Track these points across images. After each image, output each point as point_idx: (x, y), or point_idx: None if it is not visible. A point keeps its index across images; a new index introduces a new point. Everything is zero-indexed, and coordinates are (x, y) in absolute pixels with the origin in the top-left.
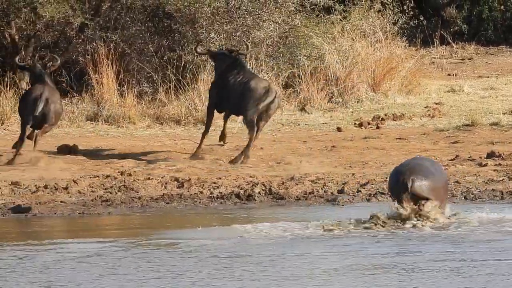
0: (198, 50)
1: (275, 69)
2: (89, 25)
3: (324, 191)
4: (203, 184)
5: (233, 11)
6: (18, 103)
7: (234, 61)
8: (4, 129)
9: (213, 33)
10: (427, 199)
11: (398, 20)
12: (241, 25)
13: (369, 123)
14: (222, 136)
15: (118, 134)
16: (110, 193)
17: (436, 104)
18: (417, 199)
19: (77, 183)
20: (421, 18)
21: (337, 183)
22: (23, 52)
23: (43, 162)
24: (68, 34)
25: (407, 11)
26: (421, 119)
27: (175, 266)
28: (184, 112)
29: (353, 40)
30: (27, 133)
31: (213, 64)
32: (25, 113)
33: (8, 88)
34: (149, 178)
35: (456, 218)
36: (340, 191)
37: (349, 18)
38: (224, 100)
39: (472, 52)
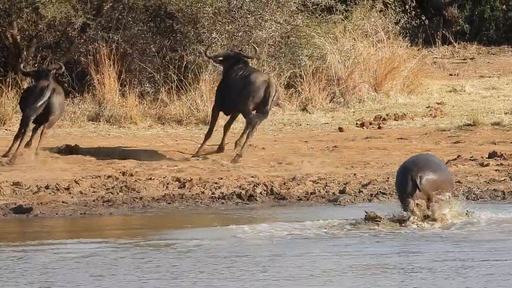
0: (208, 54)
1: (277, 69)
2: (91, 25)
3: (326, 191)
4: (205, 184)
5: (235, 11)
6: (20, 97)
7: (238, 60)
8: (6, 129)
9: (215, 33)
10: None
11: (400, 20)
12: (243, 25)
13: (370, 123)
14: (221, 148)
15: (119, 134)
16: (112, 193)
17: (438, 104)
18: (426, 195)
19: (78, 184)
20: (423, 18)
21: (339, 183)
22: (25, 53)
23: (45, 163)
24: (70, 34)
25: (409, 11)
26: (422, 119)
27: (175, 267)
28: (185, 112)
29: (355, 40)
30: (30, 126)
31: (218, 66)
32: (29, 103)
33: (10, 88)
34: (150, 179)
35: (467, 217)
36: (342, 191)
37: (351, 18)
38: (227, 98)
39: (474, 52)
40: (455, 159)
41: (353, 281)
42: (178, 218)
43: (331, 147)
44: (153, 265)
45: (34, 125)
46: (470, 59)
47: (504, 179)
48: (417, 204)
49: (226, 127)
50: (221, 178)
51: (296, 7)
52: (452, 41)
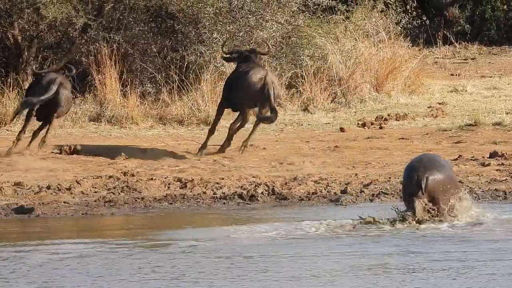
0: (225, 50)
1: (278, 69)
2: (92, 25)
3: (327, 192)
4: (206, 185)
5: (236, 11)
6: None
7: (248, 57)
8: (7, 130)
9: (216, 33)
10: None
11: (401, 20)
12: (244, 25)
13: (372, 123)
14: (223, 148)
15: (121, 134)
16: (113, 193)
17: (439, 104)
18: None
19: (80, 184)
20: (424, 18)
21: (340, 184)
22: (26, 54)
23: (46, 163)
24: (71, 35)
25: (410, 11)
26: (424, 119)
27: (176, 267)
28: (187, 113)
29: (356, 40)
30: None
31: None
32: (35, 94)
33: (11, 89)
34: (152, 179)
35: (476, 217)
36: (343, 192)
37: (352, 18)
38: (231, 95)
39: (475, 52)
40: (457, 159)
41: (354, 281)
42: (179, 218)
43: (333, 147)
44: (154, 265)
45: (41, 122)
46: (471, 59)
47: (506, 179)
48: (422, 203)
49: (231, 131)
50: (223, 178)
51: (297, 7)
52: (453, 41)
